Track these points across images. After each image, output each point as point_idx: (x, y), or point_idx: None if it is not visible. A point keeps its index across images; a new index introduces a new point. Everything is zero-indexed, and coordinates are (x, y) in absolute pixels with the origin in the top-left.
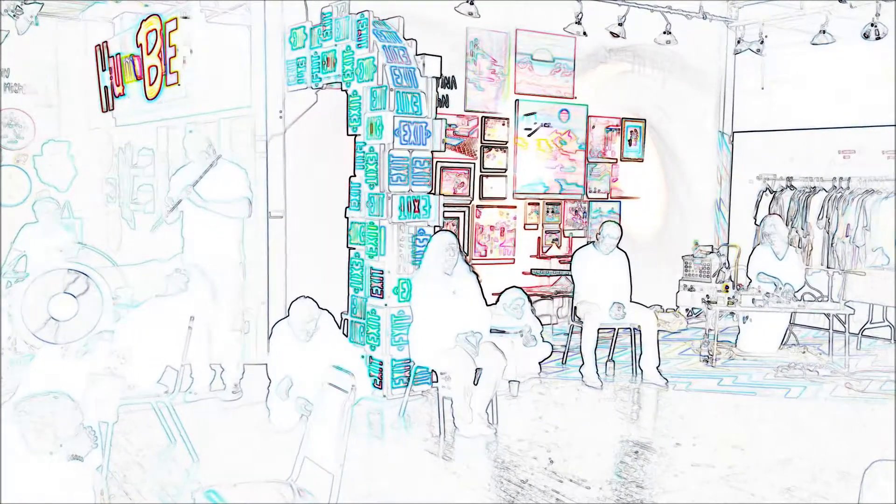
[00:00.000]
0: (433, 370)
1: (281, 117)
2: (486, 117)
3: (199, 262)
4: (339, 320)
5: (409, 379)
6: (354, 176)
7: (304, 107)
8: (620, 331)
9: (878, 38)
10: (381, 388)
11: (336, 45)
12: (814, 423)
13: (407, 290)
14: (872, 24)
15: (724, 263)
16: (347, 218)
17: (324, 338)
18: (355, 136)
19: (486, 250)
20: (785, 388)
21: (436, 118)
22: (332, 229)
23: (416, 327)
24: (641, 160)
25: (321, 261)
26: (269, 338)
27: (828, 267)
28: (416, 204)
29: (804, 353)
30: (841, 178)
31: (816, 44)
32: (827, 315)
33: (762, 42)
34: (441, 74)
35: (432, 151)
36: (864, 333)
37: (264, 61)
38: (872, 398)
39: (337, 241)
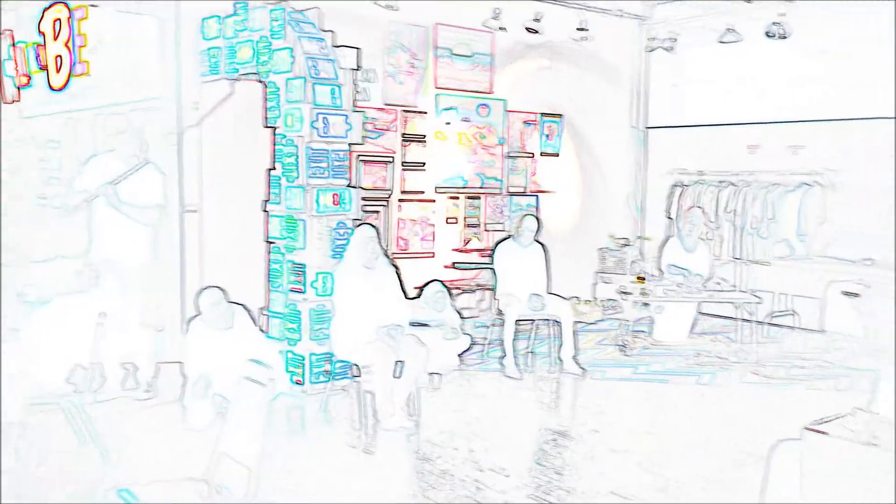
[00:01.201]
0: (354, 364)
1: (196, 109)
2: (406, 111)
3: (109, 257)
4: (258, 315)
5: (329, 373)
6: (273, 169)
7: (219, 98)
8: (539, 322)
9: (781, 38)
10: (301, 384)
11: (252, 36)
12: (724, 408)
13: (327, 284)
14: (775, 24)
15: (639, 255)
16: (266, 212)
17: (240, 332)
18: (273, 128)
19: (407, 244)
20: (696, 376)
21: (354, 111)
22: (250, 223)
23: (337, 321)
24: (559, 155)
25: (239, 255)
26: (184, 335)
27: (736, 258)
28: (336, 197)
29: (714, 341)
30: (749, 172)
31: (724, 42)
32: (735, 304)
33: (674, 40)
34: (359, 66)
35: (351, 144)
36: (770, 321)
37: (176, 51)
38: (778, 383)
39: (255, 236)
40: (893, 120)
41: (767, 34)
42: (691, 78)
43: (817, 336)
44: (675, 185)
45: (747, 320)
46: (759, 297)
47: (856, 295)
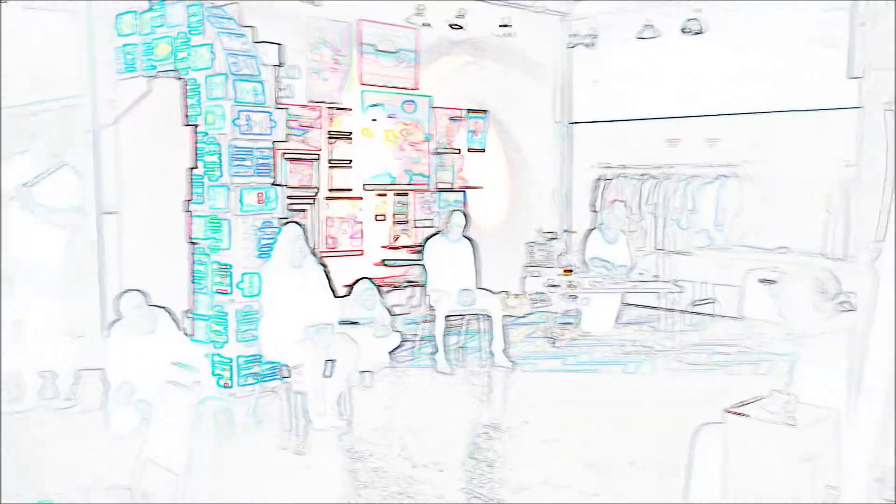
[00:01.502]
0: (284, 364)
1: (112, 107)
2: (331, 108)
3: (24, 262)
4: (182, 319)
5: (258, 375)
6: (195, 168)
7: (136, 96)
8: (470, 317)
9: (697, 34)
10: (229, 387)
11: (169, 32)
12: (650, 395)
13: (254, 285)
14: (691, 20)
15: (566, 248)
16: (189, 212)
17: (163, 336)
18: (194, 126)
19: (335, 242)
20: (623, 365)
21: (278, 108)
22: (172, 224)
23: (264, 322)
24: (485, 150)
25: (161, 257)
26: (105, 340)
27: (658, 248)
28: (261, 196)
29: (639, 330)
30: (669, 165)
31: (642, 38)
32: (658, 294)
33: (594, 37)
34: (282, 63)
35: (275, 141)
36: (691, 310)
37: (90, 48)
38: (701, 369)
39: (177, 237)
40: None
41: (683, 30)
42: (612, 73)
43: (737, 323)
44: (599, 179)
45: (670, 309)
46: (680, 287)
47: (772, 282)
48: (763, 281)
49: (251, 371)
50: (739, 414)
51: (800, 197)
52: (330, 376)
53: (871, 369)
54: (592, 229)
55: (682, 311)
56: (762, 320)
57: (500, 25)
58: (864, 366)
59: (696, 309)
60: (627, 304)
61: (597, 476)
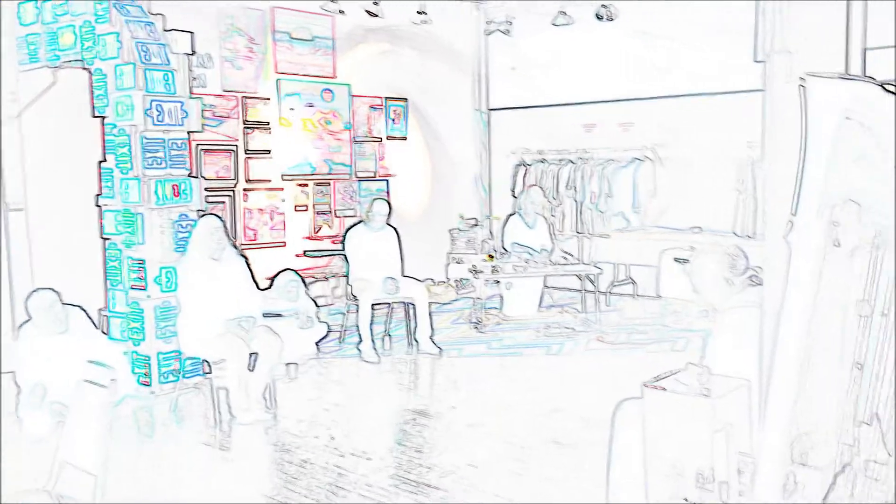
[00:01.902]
0: (205, 360)
1: (14, 100)
2: (246, 97)
3: None
4: (97, 317)
5: (179, 372)
6: (105, 161)
7: (41, 88)
8: (395, 305)
9: (609, 20)
10: (149, 385)
11: (74, 21)
12: (573, 375)
13: (171, 280)
14: (603, 6)
15: (488, 235)
16: (100, 206)
17: (77, 336)
18: (102, 117)
19: (255, 234)
20: (546, 347)
21: (191, 97)
22: (83, 219)
23: (183, 317)
24: (405, 139)
25: (72, 255)
26: (15, 342)
27: (578, 232)
28: (176, 188)
29: (561, 312)
30: (585, 150)
31: (557, 25)
32: (579, 276)
33: (510, 23)
34: (193, 51)
35: (189, 132)
36: (611, 291)
37: None
38: (622, 348)
39: (89, 233)
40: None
41: (597, 17)
42: (529, 60)
43: (655, 302)
44: (519, 165)
45: (590, 291)
46: (600, 269)
47: (686, 261)
48: (678, 260)
49: (171, 368)
50: (656, 388)
51: (711, 178)
52: (253, 370)
53: (784, 339)
54: (511, 215)
55: (602, 293)
56: (678, 298)
57: (416, 13)
58: (777, 336)
59: (616, 290)
60: (549, 287)
61: (522, 456)
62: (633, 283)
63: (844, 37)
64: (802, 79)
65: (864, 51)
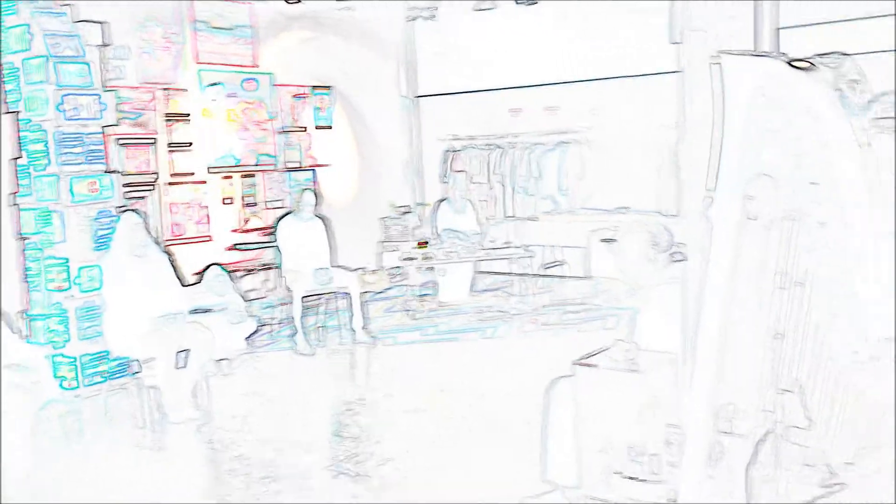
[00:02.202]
0: (133, 359)
1: None
2: (166, 89)
3: None
4: (16, 320)
5: (106, 373)
6: (19, 158)
7: None
8: (328, 296)
9: (531, 4)
10: (75, 388)
11: None
12: (507, 357)
13: (94, 278)
14: None
15: (420, 221)
16: (16, 205)
17: None
18: (15, 112)
19: (181, 229)
20: (481, 331)
21: (107, 90)
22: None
23: (109, 316)
24: (332, 127)
25: None
26: None
27: (508, 216)
28: (94, 184)
29: (494, 296)
30: (513, 135)
31: (480, 10)
32: (510, 260)
33: (434, 9)
34: (108, 43)
35: (106, 126)
36: (543, 273)
37: None
38: (554, 329)
39: (5, 232)
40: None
41: (517, 1)
42: (454, 45)
43: (585, 282)
44: (448, 151)
45: (522, 274)
46: (531, 252)
47: (612, 241)
48: (605, 240)
49: (98, 369)
50: (586, 365)
51: (635, 159)
52: (184, 367)
53: (705, 312)
54: (441, 201)
55: (534, 275)
56: (607, 278)
57: None
58: (700, 310)
59: (547, 272)
60: (481, 272)
61: (460, 441)
62: (564, 264)
63: (756, 17)
64: (715, 57)
65: (777, 30)
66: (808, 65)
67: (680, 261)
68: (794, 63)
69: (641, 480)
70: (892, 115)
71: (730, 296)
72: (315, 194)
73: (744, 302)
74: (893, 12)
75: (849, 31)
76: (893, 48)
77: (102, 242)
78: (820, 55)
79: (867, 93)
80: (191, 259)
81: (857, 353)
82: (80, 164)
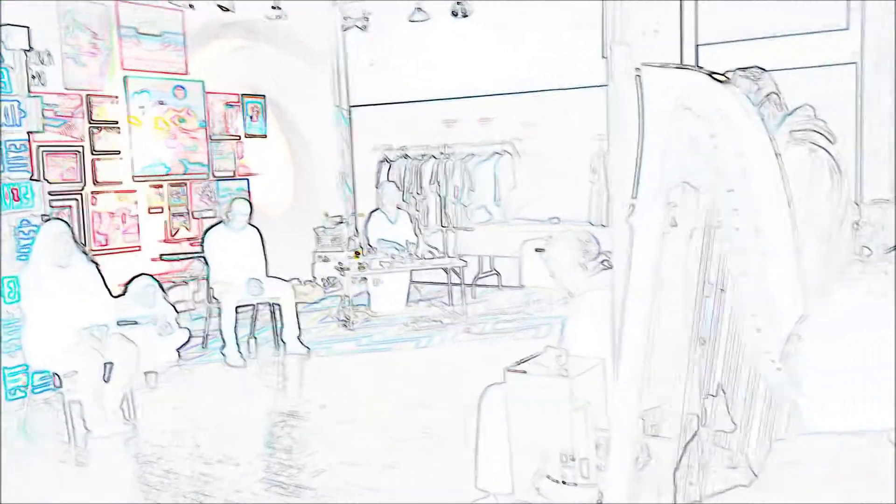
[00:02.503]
0: (55, 373)
1: None
2: (92, 95)
3: None
4: None
5: (27, 387)
6: None
7: None
8: (260, 306)
9: (464, 16)
10: None
11: None
12: (442, 366)
13: (14, 290)
14: (458, 3)
15: (354, 232)
16: None
17: None
18: None
19: (107, 239)
20: (415, 341)
21: (30, 96)
22: None
23: (29, 328)
24: (265, 136)
25: None
26: None
27: (442, 226)
28: (16, 192)
29: (429, 306)
30: (446, 145)
31: (414, 21)
32: (445, 269)
33: (367, 19)
34: (31, 47)
35: (29, 133)
36: (477, 283)
37: None
38: (488, 338)
39: None
40: (577, 90)
41: (453, 13)
42: (387, 56)
43: (518, 291)
44: (382, 161)
45: (457, 284)
46: (465, 261)
47: (544, 250)
48: (538, 250)
49: (18, 384)
50: (517, 371)
51: (567, 170)
52: (108, 381)
53: (629, 318)
54: (374, 211)
55: (468, 285)
56: (540, 287)
57: (271, 7)
58: (623, 316)
59: (481, 281)
60: (416, 282)
61: (394, 450)
62: (498, 274)
63: (679, 33)
64: (638, 69)
65: (697, 46)
66: (727, 78)
67: (608, 269)
68: (713, 75)
69: (571, 484)
70: (807, 127)
71: (653, 301)
72: (247, 203)
73: (668, 307)
74: (811, 30)
75: (767, 49)
76: (813, 64)
77: (24, 253)
78: (740, 69)
79: (783, 106)
80: (117, 269)
81: (769, 353)
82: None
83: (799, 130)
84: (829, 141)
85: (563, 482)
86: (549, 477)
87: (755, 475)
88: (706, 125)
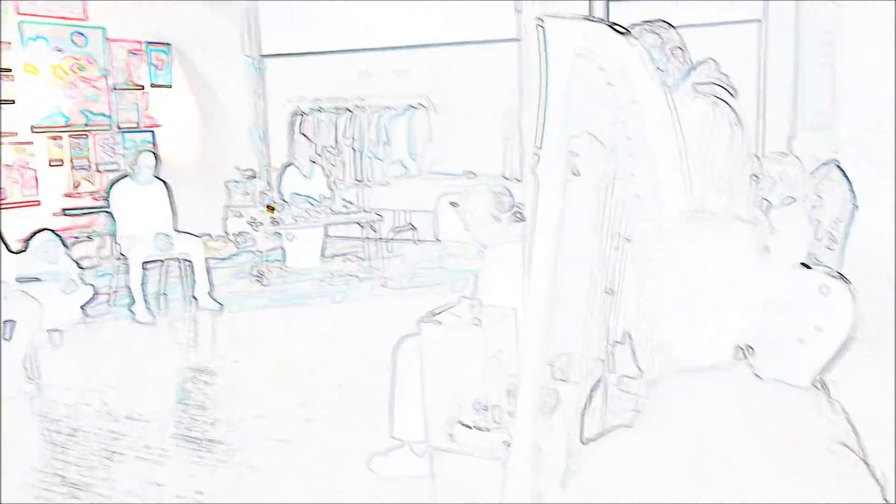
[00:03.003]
0: None
1: None
2: None
3: None
4: None
5: None
6: None
7: None
8: (169, 262)
9: None
10: None
11: None
12: (357, 321)
13: None
14: None
15: (267, 186)
16: None
17: None
18: None
19: (4, 193)
20: (330, 295)
21: None
22: None
23: None
24: (171, 87)
25: None
26: None
27: (357, 180)
28: None
29: (344, 261)
30: (361, 98)
31: None
32: (360, 224)
33: None
34: None
35: None
36: (392, 238)
37: None
38: (404, 292)
39: None
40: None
41: None
42: (300, 6)
43: (434, 245)
44: (295, 114)
45: (372, 238)
46: (380, 216)
47: (458, 205)
48: (453, 204)
49: None
50: (431, 322)
51: (482, 124)
52: (10, 339)
53: (535, 266)
54: (287, 165)
55: (384, 239)
56: (456, 241)
57: None
58: (530, 265)
59: (397, 236)
60: (331, 236)
61: (309, 404)
62: (414, 228)
63: None
64: (540, 20)
65: (607, 1)
66: (628, 30)
67: (521, 221)
68: (614, 27)
69: (484, 430)
70: (709, 80)
71: (558, 250)
72: (153, 156)
73: (575, 257)
74: None
75: (674, 5)
76: (718, 21)
77: None
78: (646, 22)
79: (688, 60)
80: (17, 224)
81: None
82: None
83: (702, 84)
84: (731, 95)
85: (476, 427)
86: (461, 423)
87: (638, 412)
88: (605, 75)
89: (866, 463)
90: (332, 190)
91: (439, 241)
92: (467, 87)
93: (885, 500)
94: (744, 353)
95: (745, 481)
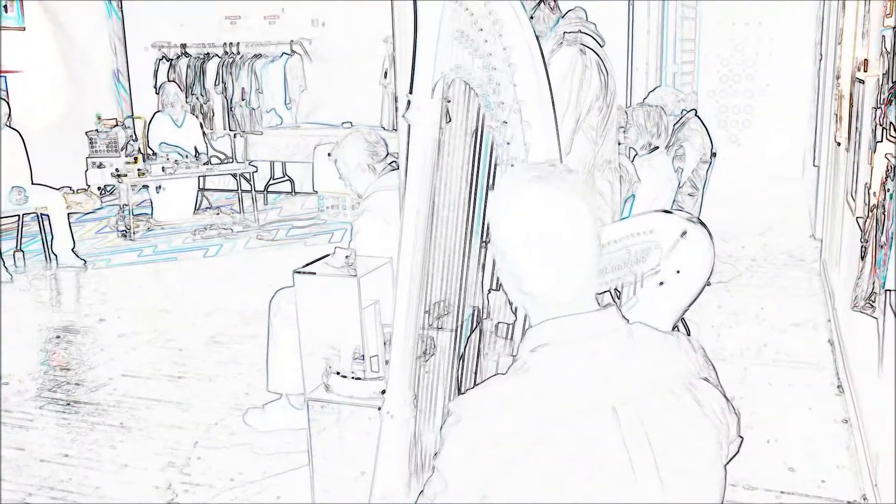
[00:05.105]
0: None
1: None
2: None
3: None
4: None
5: None
6: None
7: None
8: (27, 217)
9: None
10: None
11: None
12: (232, 275)
13: None
14: None
15: (132, 136)
16: None
17: None
18: None
19: None
20: (203, 249)
21: None
22: None
23: None
24: (23, 28)
25: None
26: None
27: (230, 130)
28: None
29: (218, 214)
30: (231, 44)
31: None
32: (234, 175)
33: None
34: None
35: None
36: (268, 189)
37: None
38: (280, 245)
39: None
40: None
41: None
42: None
43: (311, 197)
44: (160, 60)
45: (247, 190)
46: (255, 167)
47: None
48: (329, 154)
49: None
50: (306, 273)
51: (359, 73)
52: None
53: (407, 212)
54: (157, 113)
55: (259, 191)
56: (333, 192)
57: None
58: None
59: (273, 187)
60: (204, 189)
61: (181, 359)
62: (290, 180)
63: None
64: None
65: None
66: None
67: (396, 170)
68: None
69: (361, 379)
70: (578, 29)
71: (430, 197)
72: (4, 104)
73: (449, 204)
74: None
75: None
76: None
77: None
78: None
79: (558, 9)
80: None
81: None
82: None
83: (571, 32)
84: (599, 44)
85: (354, 377)
86: (338, 373)
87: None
88: (475, 19)
89: (725, 396)
90: (205, 140)
91: (316, 192)
92: (342, 33)
93: (740, 434)
94: (613, 298)
95: (615, 419)
